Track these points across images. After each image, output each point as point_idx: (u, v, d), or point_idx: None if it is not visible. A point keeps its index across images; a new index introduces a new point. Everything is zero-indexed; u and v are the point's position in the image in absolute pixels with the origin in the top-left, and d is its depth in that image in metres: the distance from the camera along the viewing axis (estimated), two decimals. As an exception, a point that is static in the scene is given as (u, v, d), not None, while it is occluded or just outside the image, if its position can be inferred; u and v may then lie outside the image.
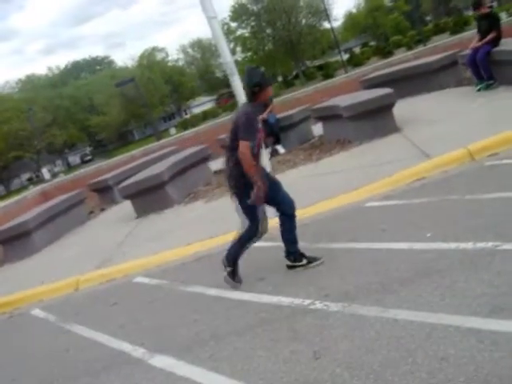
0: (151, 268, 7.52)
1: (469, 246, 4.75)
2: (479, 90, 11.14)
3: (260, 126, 5.40)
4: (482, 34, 11.20)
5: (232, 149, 5.34)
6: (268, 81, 5.40)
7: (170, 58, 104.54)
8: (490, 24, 11.10)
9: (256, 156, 5.37)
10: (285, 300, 4.96)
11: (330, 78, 31.43)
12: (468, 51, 11.64)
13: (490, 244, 4.63)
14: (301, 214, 7.25)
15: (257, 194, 5.21)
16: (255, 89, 5.27)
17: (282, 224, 5.60)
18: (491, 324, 3.49)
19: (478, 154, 7.20)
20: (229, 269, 5.66)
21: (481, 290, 3.94)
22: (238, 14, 78.83)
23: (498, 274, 4.09)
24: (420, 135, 9.12)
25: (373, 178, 7.62)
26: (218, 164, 13.68)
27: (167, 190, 11.04)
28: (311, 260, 5.59)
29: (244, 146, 5.16)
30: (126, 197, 11.64)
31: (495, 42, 11.02)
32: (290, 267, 5.66)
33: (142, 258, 7.87)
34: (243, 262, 5.79)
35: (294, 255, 5.61)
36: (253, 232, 5.57)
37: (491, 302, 3.75)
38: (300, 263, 5.60)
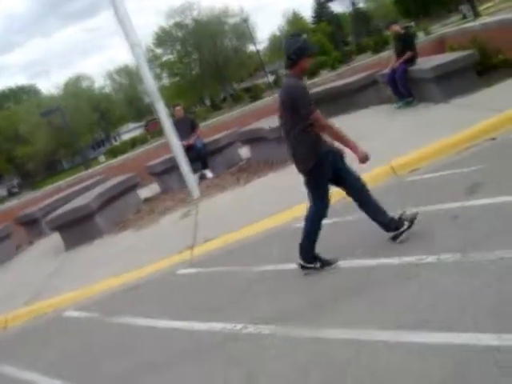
0: (81, 301, 7.34)
1: (395, 260, 4.86)
2: (399, 107, 11.48)
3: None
4: (398, 53, 11.59)
5: (292, 126, 5.11)
6: (311, 48, 5.14)
7: (96, 85, 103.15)
8: (404, 44, 11.51)
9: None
10: (217, 325, 4.92)
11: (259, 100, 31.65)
12: (387, 70, 12.00)
13: (414, 258, 4.75)
14: (228, 238, 7.30)
15: (359, 156, 5.20)
16: (294, 56, 4.97)
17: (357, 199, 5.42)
18: (418, 336, 3.57)
19: (401, 170, 7.40)
20: (317, 265, 5.31)
21: (407, 304, 4.03)
22: (162, 40, 78.62)
23: (423, 287, 4.20)
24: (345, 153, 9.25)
25: (302, 198, 7.68)
26: (147, 191, 13.60)
27: (96, 220, 10.82)
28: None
29: (317, 118, 4.97)
30: (54, 229, 11.33)
31: (412, 60, 11.40)
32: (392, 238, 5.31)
33: (72, 291, 7.67)
34: (176, 292, 5.70)
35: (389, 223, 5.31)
36: (321, 209, 5.40)
37: (417, 314, 3.83)
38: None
